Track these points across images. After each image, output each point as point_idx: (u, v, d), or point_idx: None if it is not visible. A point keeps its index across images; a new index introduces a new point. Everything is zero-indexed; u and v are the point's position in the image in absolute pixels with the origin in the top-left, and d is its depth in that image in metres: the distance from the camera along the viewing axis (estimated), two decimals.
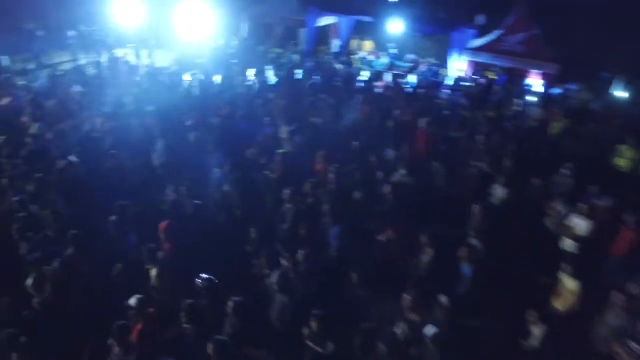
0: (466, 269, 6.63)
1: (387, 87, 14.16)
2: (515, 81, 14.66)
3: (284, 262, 6.23)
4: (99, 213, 7.34)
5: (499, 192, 8.52)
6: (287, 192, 7.65)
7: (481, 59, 15.61)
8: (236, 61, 15.43)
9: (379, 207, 7.88)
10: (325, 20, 18.17)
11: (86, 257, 6.32)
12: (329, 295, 5.93)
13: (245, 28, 18.81)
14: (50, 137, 9.67)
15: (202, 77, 13.71)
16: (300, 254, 6.36)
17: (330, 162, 8.80)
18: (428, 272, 6.69)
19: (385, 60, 17.70)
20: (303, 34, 18.15)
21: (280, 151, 8.98)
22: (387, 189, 8.09)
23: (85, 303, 5.94)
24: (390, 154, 9.54)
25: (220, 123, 10.87)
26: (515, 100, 13.03)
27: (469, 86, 14.43)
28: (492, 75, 15.55)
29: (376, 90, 13.87)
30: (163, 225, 6.84)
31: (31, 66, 15.36)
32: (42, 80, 13.93)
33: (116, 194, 8.01)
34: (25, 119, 10.94)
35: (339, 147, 9.66)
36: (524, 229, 7.82)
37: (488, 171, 9.08)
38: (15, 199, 7.55)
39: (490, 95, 13.51)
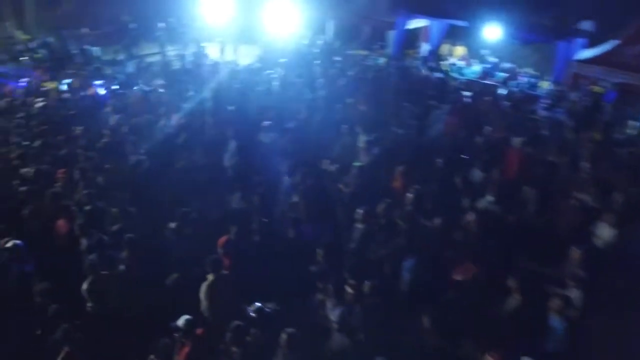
0: (557, 322, 5.70)
1: (477, 98, 13.10)
2: (629, 99, 12.99)
3: (348, 291, 5.71)
4: (162, 215, 7.18)
5: (605, 232, 7.33)
6: (359, 211, 7.05)
7: (591, 72, 13.98)
8: (319, 62, 15.03)
9: (460, 238, 7.05)
10: (416, 23, 17.29)
11: (140, 263, 6.16)
12: (394, 338, 5.31)
13: (330, 28, 18.39)
14: (126, 130, 9.72)
15: (283, 76, 13.44)
16: (367, 285, 5.77)
17: (410, 179, 8.10)
18: (512, 321, 5.83)
19: (477, 67, 16.54)
20: (391, 36, 17.41)
21: (356, 163, 8.39)
22: (471, 217, 7.24)
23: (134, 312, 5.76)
24: (477, 175, 8.65)
25: (297, 127, 10.50)
26: (630, 122, 11.52)
27: (573, 102, 12.99)
28: (599, 90, 13.90)
29: (465, 100, 12.87)
30: (223, 239, 6.52)
31: (121, 57, 15.91)
32: (128, 70, 14.38)
33: (183, 195, 7.91)
34: (107, 109, 11.21)
35: (420, 163, 8.91)
36: (634, 282, 6.66)
37: (593, 205, 7.90)
38: (84, 192, 7.60)
39: (598, 115, 12.04)
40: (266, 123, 10.19)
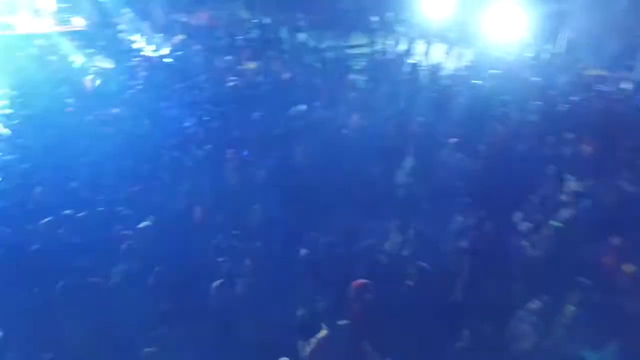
0: None
1: None
2: None
3: None
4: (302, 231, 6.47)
5: None
6: (537, 302, 5.31)
7: None
8: (538, 79, 12.78)
9: None
10: None
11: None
12: None
13: (563, 38, 15.65)
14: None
15: (489, 89, 11.68)
16: None
17: (627, 259, 5.96)
18: None
19: None
20: None
21: (555, 223, 6.48)
22: None
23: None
24: None
25: (490, 153, 8.83)
26: None
27: None
28: None
29: None
30: (358, 283, 5.47)
31: (323, 44, 15.85)
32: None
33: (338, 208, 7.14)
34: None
35: None
36: None
37: None
38: None
39: None
40: (453, 140, 8.79)
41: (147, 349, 4.85)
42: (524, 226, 6.67)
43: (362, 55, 15.75)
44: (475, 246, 6.44)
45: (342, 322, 5.05)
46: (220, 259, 6.04)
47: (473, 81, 12.25)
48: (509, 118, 10.14)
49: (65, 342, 5.23)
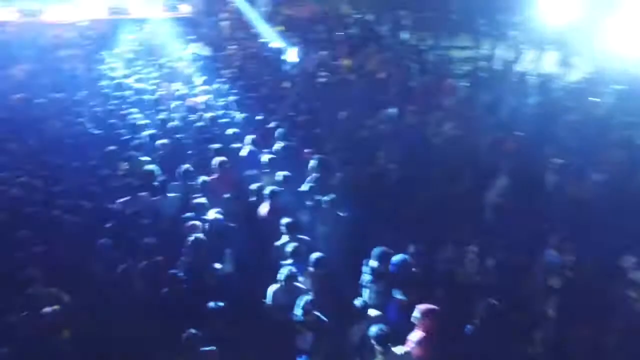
0: None
1: None
2: None
3: None
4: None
5: None
6: None
7: None
8: None
9: None
10: None
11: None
12: None
13: None
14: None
15: (608, 108, 10.41)
16: None
17: None
18: None
19: None
20: None
21: None
22: None
23: None
24: None
25: (603, 180, 7.78)
26: None
27: None
28: None
29: None
30: (427, 309, 4.95)
31: (425, 43, 15.15)
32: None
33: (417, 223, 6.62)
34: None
35: None
36: None
37: None
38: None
39: None
40: (558, 162, 7.85)
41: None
42: (636, 274, 5.70)
43: (466, 59, 14.87)
44: (568, 287, 5.66)
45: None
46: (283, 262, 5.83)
47: (590, 97, 11.02)
48: (631, 144, 8.87)
49: None
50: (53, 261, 5.98)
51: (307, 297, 5.10)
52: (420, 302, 4.98)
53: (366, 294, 5.67)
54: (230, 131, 8.59)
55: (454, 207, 7.17)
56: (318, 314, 5.08)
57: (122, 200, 6.95)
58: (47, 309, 5.09)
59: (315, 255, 5.66)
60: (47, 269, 5.72)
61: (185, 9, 17.45)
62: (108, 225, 6.52)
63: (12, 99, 10.66)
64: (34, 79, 11.93)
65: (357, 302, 5.29)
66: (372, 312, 5.26)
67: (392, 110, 9.85)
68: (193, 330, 4.75)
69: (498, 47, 15.26)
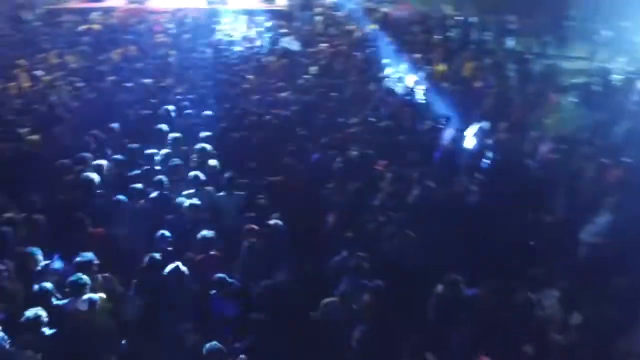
0: None
1: None
2: None
3: None
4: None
5: None
6: None
7: None
8: None
9: None
10: None
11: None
12: None
13: None
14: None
15: None
16: None
17: None
18: None
19: None
20: None
21: None
22: None
23: None
24: None
25: None
26: None
27: None
28: None
29: None
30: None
31: (532, 51, 14.06)
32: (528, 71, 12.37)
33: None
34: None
35: None
36: None
37: None
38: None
39: None
40: None
41: None
42: None
43: (578, 71, 13.55)
44: None
45: None
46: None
47: None
48: None
49: None
50: (111, 246, 6.07)
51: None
52: None
53: None
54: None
55: (541, 241, 6.40)
56: None
57: (186, 192, 6.90)
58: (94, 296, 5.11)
59: (375, 283, 5.33)
60: (105, 253, 5.75)
61: (282, 2, 17.52)
62: (169, 217, 6.52)
63: (106, 81, 11.11)
64: (128, 63, 12.41)
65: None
66: None
67: (485, 124, 9.07)
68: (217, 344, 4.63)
69: (618, 59, 13.79)
